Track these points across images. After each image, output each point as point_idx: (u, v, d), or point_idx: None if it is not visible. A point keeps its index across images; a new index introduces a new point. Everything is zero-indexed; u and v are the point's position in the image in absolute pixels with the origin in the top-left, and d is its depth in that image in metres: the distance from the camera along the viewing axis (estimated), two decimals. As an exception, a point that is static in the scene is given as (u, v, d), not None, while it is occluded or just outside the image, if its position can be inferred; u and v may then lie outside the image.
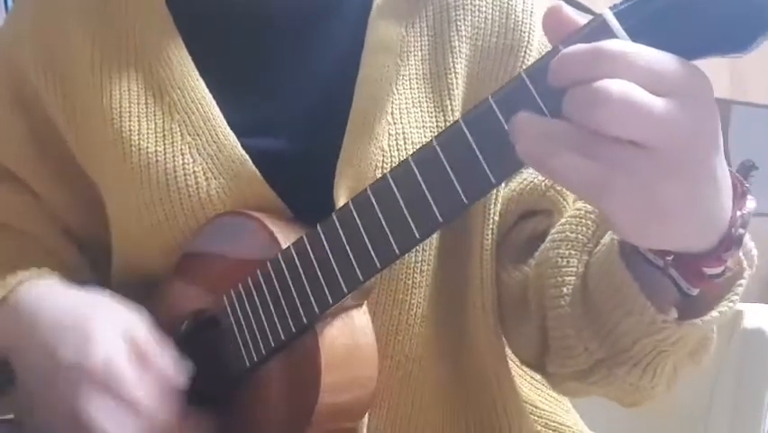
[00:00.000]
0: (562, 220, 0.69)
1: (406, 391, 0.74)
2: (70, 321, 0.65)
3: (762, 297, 1.31)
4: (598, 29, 0.47)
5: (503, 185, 0.74)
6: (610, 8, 0.47)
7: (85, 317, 0.65)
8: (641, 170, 0.45)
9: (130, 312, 0.67)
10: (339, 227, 0.61)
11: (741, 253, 0.58)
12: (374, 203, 0.58)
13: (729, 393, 1.09)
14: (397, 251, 0.58)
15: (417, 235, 0.56)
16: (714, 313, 0.58)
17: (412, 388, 0.74)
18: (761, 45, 0.45)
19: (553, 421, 0.82)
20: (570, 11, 0.48)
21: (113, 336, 0.63)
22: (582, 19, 0.48)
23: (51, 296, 0.70)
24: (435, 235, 0.72)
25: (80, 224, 0.82)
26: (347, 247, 0.60)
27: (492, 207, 0.74)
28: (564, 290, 0.66)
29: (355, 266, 0.60)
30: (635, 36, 0.46)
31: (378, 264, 0.59)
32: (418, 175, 0.55)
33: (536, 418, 0.82)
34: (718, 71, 2.04)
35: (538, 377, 0.83)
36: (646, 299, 0.59)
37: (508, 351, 0.80)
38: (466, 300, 0.75)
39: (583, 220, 0.67)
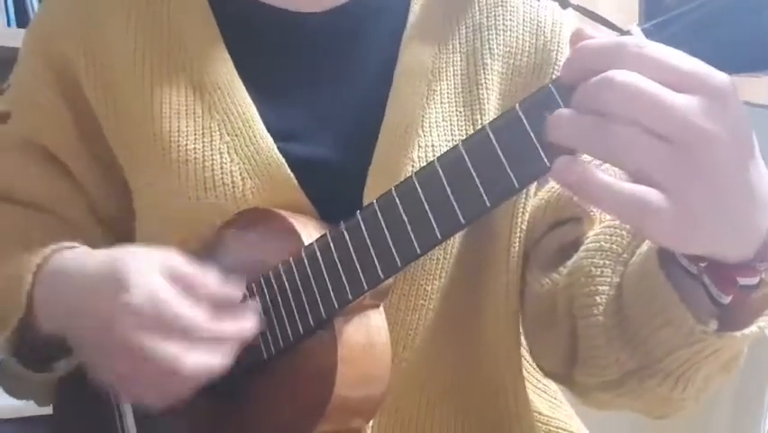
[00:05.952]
0: (597, 230, 0.70)
1: (416, 393, 0.75)
2: (105, 273, 0.64)
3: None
4: None
5: (530, 192, 0.75)
6: (638, 25, 0.48)
7: (119, 265, 0.63)
8: (668, 166, 0.45)
9: (163, 251, 0.65)
10: (363, 225, 0.62)
11: None
12: (398, 203, 0.60)
13: (729, 393, 1.09)
14: (418, 250, 0.59)
15: (439, 236, 0.58)
16: (753, 328, 0.57)
17: (421, 389, 0.75)
18: None
19: (557, 427, 0.82)
20: (592, 33, 0.49)
21: (149, 276, 0.62)
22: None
23: (82, 258, 0.69)
24: (457, 243, 0.73)
25: (114, 213, 0.81)
26: (369, 245, 0.61)
27: (520, 216, 0.75)
28: (597, 299, 0.65)
29: (377, 263, 0.61)
30: None
31: (399, 263, 0.60)
32: (443, 177, 0.57)
33: (541, 424, 0.82)
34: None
35: (542, 383, 0.84)
36: (686, 309, 0.58)
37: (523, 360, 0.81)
38: (486, 308, 0.76)
39: (618, 231, 0.67)
